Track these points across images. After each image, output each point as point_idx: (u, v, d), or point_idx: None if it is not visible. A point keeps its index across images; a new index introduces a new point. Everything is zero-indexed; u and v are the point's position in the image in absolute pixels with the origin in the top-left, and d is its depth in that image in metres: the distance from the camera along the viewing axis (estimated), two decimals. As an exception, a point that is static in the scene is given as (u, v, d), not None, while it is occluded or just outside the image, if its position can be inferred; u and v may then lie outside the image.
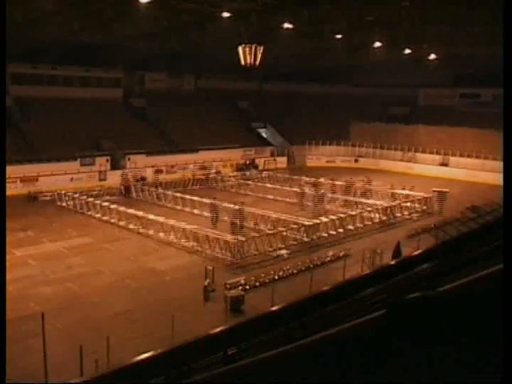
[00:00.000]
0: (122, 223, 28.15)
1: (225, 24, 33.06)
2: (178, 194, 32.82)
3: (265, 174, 43.26)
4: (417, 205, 31.49)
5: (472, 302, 1.00)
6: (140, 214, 27.81)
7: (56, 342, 13.72)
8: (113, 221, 28.72)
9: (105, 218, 29.29)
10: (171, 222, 26.04)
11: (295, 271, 20.93)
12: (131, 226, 27.55)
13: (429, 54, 39.34)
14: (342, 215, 28.07)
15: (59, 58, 41.90)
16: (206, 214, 29.08)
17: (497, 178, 33.53)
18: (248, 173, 43.76)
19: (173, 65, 59.61)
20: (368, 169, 48.77)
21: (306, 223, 26.17)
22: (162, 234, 25.93)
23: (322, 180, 36.47)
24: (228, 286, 18.64)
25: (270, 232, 24.98)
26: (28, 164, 38.14)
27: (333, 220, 27.05)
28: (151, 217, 27.06)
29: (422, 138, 41.34)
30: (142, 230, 26.88)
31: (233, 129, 53.14)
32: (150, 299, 18.40)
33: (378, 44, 42.68)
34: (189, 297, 18.70)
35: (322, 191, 32.80)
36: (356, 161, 54.04)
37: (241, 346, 9.61)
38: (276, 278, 19.91)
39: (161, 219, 26.53)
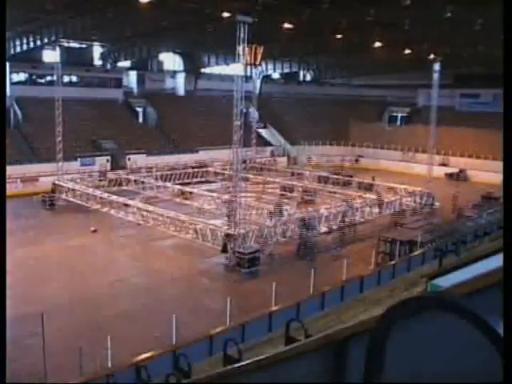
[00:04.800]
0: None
1: (225, 24, 33.05)
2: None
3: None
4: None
5: (472, 302, 1.00)
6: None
7: (56, 342, 13.70)
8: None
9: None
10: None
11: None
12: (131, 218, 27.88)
13: (429, 54, 39.33)
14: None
15: (60, 58, 41.85)
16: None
17: (497, 178, 33.55)
18: None
19: (173, 65, 59.71)
20: (368, 169, 48.79)
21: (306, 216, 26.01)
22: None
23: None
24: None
25: (269, 225, 24.77)
26: (28, 164, 38.15)
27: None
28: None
29: (422, 138, 41.33)
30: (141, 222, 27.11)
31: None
32: (150, 299, 18.38)
33: (378, 44, 42.69)
34: (189, 296, 18.71)
35: None
36: (356, 161, 54.07)
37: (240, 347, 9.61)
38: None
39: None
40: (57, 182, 33.83)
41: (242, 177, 27.40)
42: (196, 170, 41.19)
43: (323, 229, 26.02)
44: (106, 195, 31.23)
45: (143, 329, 15.44)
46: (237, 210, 23.23)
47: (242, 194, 25.22)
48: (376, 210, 29.34)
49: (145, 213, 27.35)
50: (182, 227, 25.36)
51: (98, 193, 31.73)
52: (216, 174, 40.92)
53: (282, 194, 34.56)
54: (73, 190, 33.05)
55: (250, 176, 37.44)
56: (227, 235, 22.52)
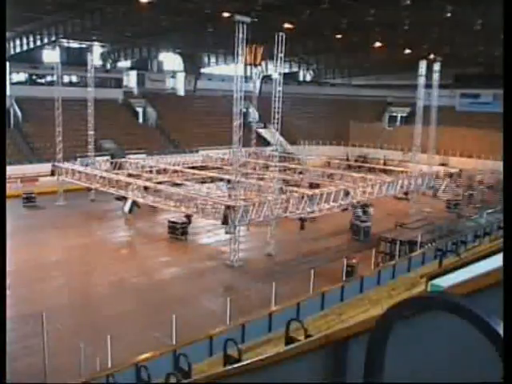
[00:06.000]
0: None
1: (225, 24, 33.05)
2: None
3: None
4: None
5: (472, 302, 1.00)
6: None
7: (56, 342, 13.68)
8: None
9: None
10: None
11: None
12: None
13: (429, 54, 39.33)
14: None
15: (60, 58, 41.98)
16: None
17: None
18: None
19: (173, 65, 59.73)
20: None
21: (308, 192, 25.76)
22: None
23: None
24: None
25: (270, 198, 24.25)
26: (28, 164, 38.13)
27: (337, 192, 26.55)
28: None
29: (422, 138, 41.51)
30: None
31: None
32: (150, 299, 18.37)
33: (378, 44, 42.71)
34: (189, 296, 18.70)
35: None
36: (356, 161, 54.04)
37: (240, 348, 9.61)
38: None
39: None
40: (56, 164, 33.79)
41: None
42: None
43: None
44: (105, 174, 31.05)
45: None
46: (237, 185, 23.00)
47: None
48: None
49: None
50: (181, 202, 25.07)
51: (97, 172, 31.63)
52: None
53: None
54: (72, 170, 32.82)
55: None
56: (228, 207, 22.05)
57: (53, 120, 34.01)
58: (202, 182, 33.17)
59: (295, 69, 64.25)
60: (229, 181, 31.55)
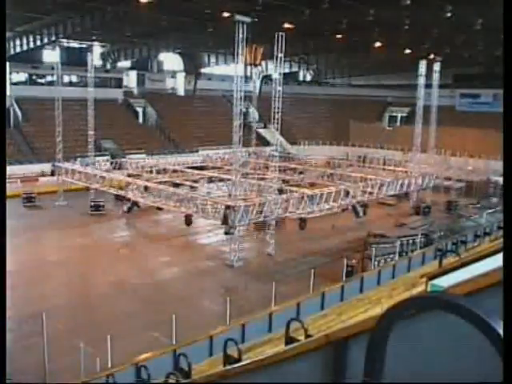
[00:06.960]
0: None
1: (225, 24, 33.04)
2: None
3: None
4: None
5: (472, 302, 1.00)
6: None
7: (56, 341, 13.68)
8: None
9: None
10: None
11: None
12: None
13: (429, 54, 39.35)
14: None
15: (60, 58, 41.94)
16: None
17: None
18: None
19: (173, 65, 59.74)
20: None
21: (308, 192, 25.80)
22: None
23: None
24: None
25: (270, 198, 24.20)
26: (28, 164, 38.14)
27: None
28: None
29: (422, 138, 41.53)
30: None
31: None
32: (150, 299, 18.37)
33: (378, 44, 42.72)
34: (189, 295, 18.70)
35: None
36: (357, 161, 54.02)
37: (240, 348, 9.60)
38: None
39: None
40: (56, 164, 33.81)
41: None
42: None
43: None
44: (105, 174, 31.06)
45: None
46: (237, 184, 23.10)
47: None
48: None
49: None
50: (181, 202, 25.10)
51: (97, 172, 31.58)
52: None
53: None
54: (72, 170, 32.76)
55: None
56: (228, 207, 22.06)
57: (53, 120, 33.98)
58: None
59: (295, 69, 64.27)
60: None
